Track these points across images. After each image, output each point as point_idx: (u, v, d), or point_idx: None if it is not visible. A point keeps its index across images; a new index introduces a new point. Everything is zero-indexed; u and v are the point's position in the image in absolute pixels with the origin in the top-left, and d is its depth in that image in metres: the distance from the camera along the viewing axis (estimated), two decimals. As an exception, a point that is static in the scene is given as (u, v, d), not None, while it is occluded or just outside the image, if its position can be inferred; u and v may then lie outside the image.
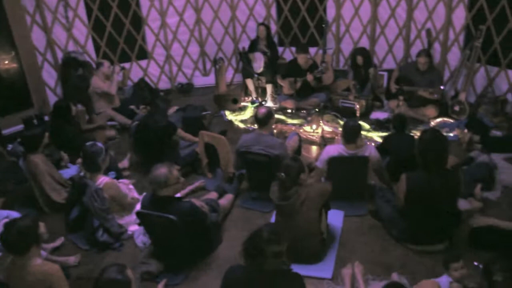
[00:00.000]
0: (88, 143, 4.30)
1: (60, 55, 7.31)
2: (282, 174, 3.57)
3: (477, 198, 4.33)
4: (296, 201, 3.59)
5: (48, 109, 7.17)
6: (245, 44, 8.08)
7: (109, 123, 6.70)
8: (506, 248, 3.63)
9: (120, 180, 4.72)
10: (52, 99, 7.29)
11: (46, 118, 6.86)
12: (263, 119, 4.58)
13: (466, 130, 5.67)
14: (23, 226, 2.94)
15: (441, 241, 3.87)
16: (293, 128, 6.28)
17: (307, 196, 3.60)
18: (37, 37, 7.02)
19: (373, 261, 3.81)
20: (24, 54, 6.92)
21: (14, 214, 4.00)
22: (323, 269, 3.74)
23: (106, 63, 6.96)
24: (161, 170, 3.61)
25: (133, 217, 4.36)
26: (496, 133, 5.71)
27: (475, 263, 3.57)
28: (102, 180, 4.16)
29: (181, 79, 8.57)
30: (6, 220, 3.78)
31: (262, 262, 2.61)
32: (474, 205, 4.27)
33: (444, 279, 3.25)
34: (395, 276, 3.54)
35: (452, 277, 3.23)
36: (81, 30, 7.48)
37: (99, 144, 4.35)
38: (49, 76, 7.32)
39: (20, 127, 6.77)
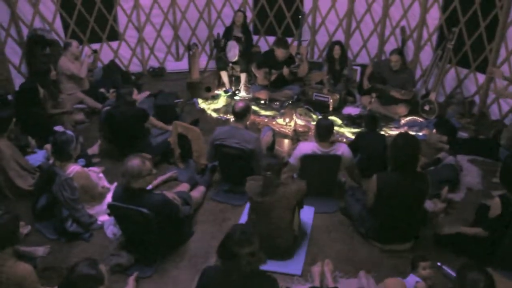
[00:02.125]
0: (58, 131, 4.16)
1: (25, 31, 7.01)
2: (269, 173, 3.57)
3: (442, 199, 4.46)
4: (272, 198, 3.61)
5: (12, 88, 6.90)
6: (219, 30, 7.98)
7: (78, 106, 6.51)
8: (470, 251, 3.79)
9: (90, 168, 4.60)
10: (16, 77, 7.03)
11: (10, 97, 6.60)
12: (240, 113, 4.56)
13: (434, 130, 5.82)
14: (4, 225, 2.84)
15: (407, 240, 3.98)
16: (266, 120, 6.28)
17: (283, 195, 3.62)
18: (0, 11, 6.70)
19: (342, 259, 3.88)
20: (-15, 28, 6.62)
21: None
22: (293, 266, 3.78)
23: (75, 43, 6.72)
24: (134, 162, 3.54)
25: (103, 207, 4.28)
26: (463, 134, 5.88)
27: (438, 264, 3.72)
28: (73, 169, 4.05)
29: (153, 62, 8.40)
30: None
31: (237, 263, 2.61)
32: (439, 206, 4.40)
33: (410, 279, 3.37)
34: (362, 275, 3.63)
35: (420, 275, 3.35)
36: (48, 7, 7.20)
37: (69, 132, 4.21)
38: (13, 53, 7.02)
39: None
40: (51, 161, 4.41)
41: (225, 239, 2.66)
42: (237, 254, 2.57)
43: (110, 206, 3.67)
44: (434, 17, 6.74)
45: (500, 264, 3.59)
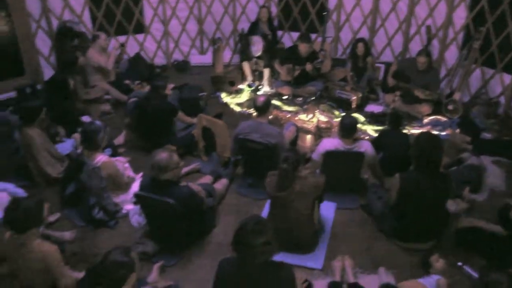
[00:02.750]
0: (86, 121, 4.28)
1: (55, 23, 7.17)
2: (285, 165, 3.61)
3: (464, 199, 4.45)
4: (291, 193, 3.66)
5: (42, 78, 7.08)
6: (244, 25, 8.04)
7: (104, 97, 6.64)
8: (488, 249, 3.79)
9: (116, 158, 4.72)
10: (45, 67, 7.20)
11: (39, 87, 6.79)
12: (262, 107, 4.62)
13: (458, 130, 5.79)
14: (29, 207, 2.95)
15: (428, 240, 4.00)
16: (289, 115, 6.32)
17: (301, 189, 3.67)
18: (32, 4, 6.86)
19: (362, 255, 3.93)
20: (18, 21, 6.78)
21: (10, 187, 3.98)
22: (314, 260, 3.84)
23: (103, 36, 6.85)
24: (162, 155, 3.64)
25: (128, 196, 4.41)
26: (487, 135, 5.82)
27: (459, 264, 3.73)
28: (100, 158, 4.17)
29: (177, 56, 8.50)
30: (4, 193, 3.81)
31: (251, 254, 2.66)
32: (461, 207, 4.39)
33: (429, 279, 3.37)
34: (382, 271, 3.67)
35: (436, 270, 3.36)
36: (78, 0, 7.32)
37: (98, 122, 4.34)
38: (44, 44, 7.18)
39: (10, 94, 6.68)
40: (79, 150, 4.54)
41: (238, 230, 2.71)
42: (251, 244, 2.61)
43: (137, 195, 3.78)
44: (461, 16, 6.67)
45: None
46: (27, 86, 6.71)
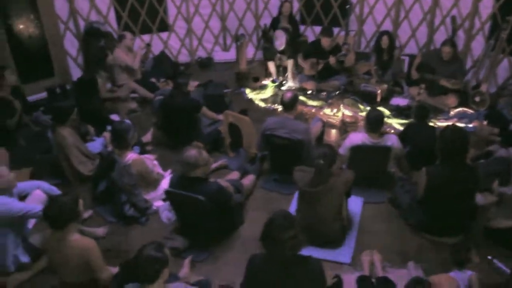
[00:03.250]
0: (116, 121, 4.38)
1: (82, 24, 7.34)
2: (321, 161, 3.64)
3: (493, 193, 4.40)
4: (323, 188, 3.69)
5: (70, 78, 7.27)
6: (266, 21, 8.07)
7: (131, 95, 6.78)
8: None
9: (145, 156, 4.81)
10: (73, 68, 7.39)
11: (68, 87, 6.97)
12: (289, 103, 4.66)
13: (485, 122, 5.71)
14: (65, 203, 3.07)
15: (457, 233, 3.98)
16: (313, 110, 6.34)
17: (334, 185, 3.70)
18: (60, 6, 7.06)
19: (390, 249, 3.94)
20: (47, 23, 7.00)
21: (45, 185, 4.11)
22: (343, 254, 3.87)
23: (129, 35, 6.99)
24: (192, 152, 3.72)
25: (158, 192, 4.51)
26: (516, 126, 5.73)
27: (489, 257, 3.71)
28: (130, 156, 4.28)
29: (201, 53, 8.60)
30: (38, 190, 3.95)
31: (279, 248, 2.71)
32: (490, 200, 4.33)
33: (461, 274, 3.32)
34: (411, 265, 3.68)
35: (472, 266, 3.32)
36: (103, 0, 7.48)
37: (127, 121, 4.46)
38: (71, 45, 7.38)
39: (42, 95, 6.90)
40: (109, 149, 4.66)
41: (267, 225, 2.77)
42: (279, 239, 2.66)
43: (167, 192, 3.87)
44: (487, 5, 6.56)
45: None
46: (57, 87, 6.91)
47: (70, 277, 3.17)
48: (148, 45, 7.36)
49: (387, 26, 7.62)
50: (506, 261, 3.67)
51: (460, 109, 6.18)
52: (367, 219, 4.32)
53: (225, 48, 8.71)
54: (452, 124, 4.26)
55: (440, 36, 7.12)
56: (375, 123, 4.44)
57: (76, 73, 7.35)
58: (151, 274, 2.64)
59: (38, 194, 3.90)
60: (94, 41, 7.18)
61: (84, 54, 7.42)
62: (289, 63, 7.24)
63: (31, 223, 4.05)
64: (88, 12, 7.34)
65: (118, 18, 7.72)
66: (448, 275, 3.32)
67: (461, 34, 6.96)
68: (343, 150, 4.51)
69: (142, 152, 5.08)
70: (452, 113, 6.14)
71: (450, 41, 6.27)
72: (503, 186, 4.56)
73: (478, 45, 6.83)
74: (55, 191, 4.06)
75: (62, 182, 4.76)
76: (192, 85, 6.84)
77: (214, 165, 5.02)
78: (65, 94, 6.85)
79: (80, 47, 7.40)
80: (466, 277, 3.27)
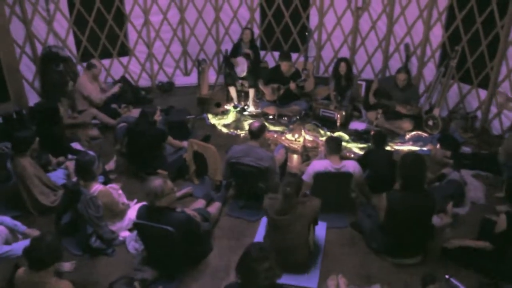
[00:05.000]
0: (80, 151, 4.33)
1: (40, 48, 7.20)
2: (288, 189, 3.74)
3: (448, 214, 4.64)
4: (292, 216, 3.79)
5: (26, 103, 7.08)
6: (227, 46, 8.18)
7: (92, 121, 6.69)
8: (474, 263, 3.99)
9: (109, 185, 4.76)
10: (29, 93, 7.21)
11: (24, 112, 6.78)
12: (257, 132, 4.77)
13: (438, 145, 6.02)
14: (53, 243, 3.01)
15: (417, 254, 4.17)
16: (275, 135, 6.46)
17: (302, 213, 3.80)
18: (16, 29, 6.89)
19: (355, 272, 4.05)
20: (2, 46, 6.79)
21: (7, 220, 3.97)
22: (309, 279, 3.96)
23: (99, 65, 7.02)
24: (157, 182, 3.74)
25: (124, 223, 4.47)
26: (466, 149, 6.06)
27: (446, 276, 3.90)
28: (96, 188, 4.23)
29: (161, 77, 8.60)
30: (1, 226, 3.82)
31: (255, 279, 2.77)
32: (445, 221, 4.57)
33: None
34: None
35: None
36: (62, 24, 7.40)
37: (91, 153, 4.40)
38: (28, 69, 7.21)
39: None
40: (74, 179, 4.58)
41: (243, 256, 2.84)
42: (255, 270, 2.74)
43: (136, 224, 3.85)
44: (437, 34, 6.97)
45: (506, 276, 3.78)
46: (13, 112, 6.70)
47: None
48: (121, 88, 7.27)
49: (345, 52, 7.93)
50: (462, 280, 3.86)
51: (415, 132, 6.48)
52: (331, 244, 4.43)
53: (186, 73, 8.76)
54: (412, 152, 4.49)
55: (395, 63, 7.50)
56: (335, 145, 4.65)
57: (32, 97, 7.19)
58: (123, 310, 2.63)
59: (0, 230, 3.77)
60: (53, 66, 7.06)
61: (41, 79, 7.27)
62: (251, 91, 7.38)
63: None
64: (46, 36, 7.22)
65: (78, 42, 7.63)
66: None
67: (414, 61, 7.35)
68: (307, 177, 4.63)
69: (106, 181, 5.02)
70: (407, 136, 6.43)
71: (405, 68, 6.61)
72: (457, 207, 4.83)
73: (429, 72, 7.21)
74: (19, 225, 3.94)
75: (22, 214, 4.63)
76: (157, 114, 6.84)
77: (179, 193, 5.01)
78: (21, 120, 6.64)
79: (38, 71, 7.24)
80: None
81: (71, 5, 7.37)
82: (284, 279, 3.48)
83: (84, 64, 7.64)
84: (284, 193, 3.77)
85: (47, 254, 2.98)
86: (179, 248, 3.80)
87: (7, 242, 3.75)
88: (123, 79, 7.88)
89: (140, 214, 3.86)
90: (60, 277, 3.75)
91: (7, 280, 3.63)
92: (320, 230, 4.51)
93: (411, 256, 4.15)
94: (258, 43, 8.31)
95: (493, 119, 6.53)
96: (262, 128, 4.81)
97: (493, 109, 6.51)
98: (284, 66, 7.00)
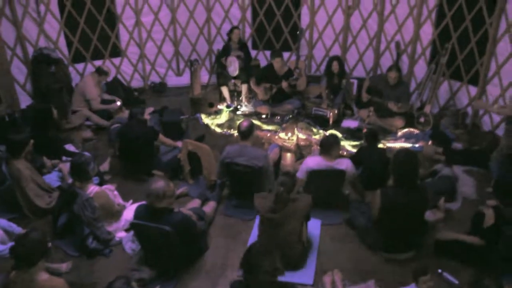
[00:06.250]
0: (75, 153, 4.35)
1: (30, 50, 7.18)
2: (282, 189, 3.78)
3: (440, 209, 4.71)
4: (284, 214, 3.84)
5: (18, 105, 7.06)
6: (219, 45, 8.22)
7: (85, 122, 6.70)
8: (466, 257, 4.06)
9: (105, 186, 4.78)
10: (21, 95, 7.18)
11: (17, 115, 6.76)
12: (246, 132, 4.80)
13: (430, 142, 6.09)
14: (36, 239, 3.03)
15: (410, 249, 4.24)
16: (268, 134, 6.50)
17: (294, 210, 3.86)
18: (7, 31, 6.85)
19: (349, 268, 4.11)
20: (-7, 49, 6.78)
21: (3, 222, 4.00)
22: (305, 276, 4.01)
23: (109, 74, 7.15)
24: (159, 184, 3.74)
25: (120, 224, 4.50)
26: (457, 145, 6.14)
27: (439, 270, 3.97)
28: (92, 189, 4.25)
29: (154, 78, 8.61)
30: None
31: (258, 276, 2.82)
32: (438, 216, 4.65)
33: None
34: (371, 283, 3.86)
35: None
36: (53, 26, 7.36)
37: (87, 154, 4.43)
38: (19, 72, 7.16)
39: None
40: (69, 181, 4.59)
41: (247, 252, 2.90)
42: (258, 266, 2.79)
43: (133, 224, 3.88)
44: (428, 32, 7.04)
45: (495, 268, 3.84)
46: (6, 115, 6.69)
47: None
48: (121, 108, 7.23)
49: (336, 50, 8.00)
50: (454, 273, 3.95)
51: (406, 129, 6.55)
52: (326, 240, 4.48)
53: (179, 73, 8.77)
54: (404, 148, 4.54)
55: (386, 61, 7.57)
56: (328, 148, 4.66)
57: (24, 100, 7.16)
58: (122, 309, 2.66)
59: (-3, 232, 3.79)
60: (44, 67, 7.04)
61: (33, 81, 7.23)
62: (243, 88, 7.41)
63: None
64: (37, 38, 7.19)
65: (69, 43, 7.61)
66: None
67: (405, 58, 7.42)
68: (300, 174, 4.68)
69: (101, 182, 5.04)
70: (399, 133, 6.50)
71: (396, 66, 6.68)
72: (449, 203, 4.91)
73: (420, 69, 7.29)
74: (14, 227, 3.96)
75: (17, 216, 4.63)
76: (147, 111, 6.86)
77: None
78: (14, 123, 6.62)
79: (29, 73, 7.22)
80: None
81: (61, 6, 7.34)
82: (280, 276, 3.53)
83: (77, 66, 7.71)
84: (277, 192, 3.81)
85: (32, 249, 3.00)
86: (176, 247, 3.82)
87: (3, 243, 3.75)
88: (115, 80, 7.87)
89: (139, 213, 3.88)
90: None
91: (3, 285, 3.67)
92: (315, 227, 4.57)
93: (404, 251, 4.22)
94: (249, 42, 8.35)
95: (484, 115, 6.61)
96: (251, 127, 4.84)
97: (483, 106, 6.59)
98: (277, 62, 7.02)
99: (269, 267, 2.81)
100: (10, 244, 3.79)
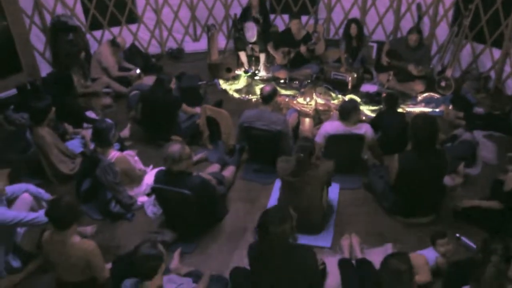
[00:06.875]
0: (97, 120, 4.41)
1: (48, 18, 7.20)
2: (302, 154, 3.81)
3: (459, 174, 4.69)
4: (304, 178, 3.87)
5: (38, 73, 7.14)
6: (236, 10, 8.09)
7: (104, 90, 6.76)
8: (486, 222, 4.05)
9: (125, 152, 4.86)
10: (41, 63, 7.25)
11: (38, 83, 6.85)
12: (268, 96, 4.80)
13: (451, 106, 6.00)
14: (70, 202, 3.14)
15: (428, 214, 4.25)
16: (287, 99, 6.48)
17: (314, 175, 3.88)
18: (24, 0, 6.86)
19: (367, 232, 4.16)
20: (11, 18, 6.80)
21: (32, 188, 4.07)
22: (323, 239, 4.08)
23: (122, 46, 7.13)
24: (175, 147, 3.81)
25: (142, 188, 4.60)
26: (478, 109, 6.02)
27: (457, 235, 3.99)
28: (114, 154, 4.34)
29: (171, 44, 8.58)
30: (26, 193, 3.95)
31: (273, 239, 2.89)
32: (457, 181, 4.63)
33: (431, 254, 3.62)
34: (388, 246, 3.91)
35: (438, 252, 3.62)
36: (69, -7, 7.35)
37: (108, 120, 4.49)
38: (38, 40, 7.22)
39: (11, 92, 6.75)
40: (91, 147, 4.68)
41: (261, 218, 2.96)
42: (272, 232, 2.84)
43: (154, 189, 3.96)
44: (450, -7, 6.82)
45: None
46: (27, 83, 6.78)
47: (69, 276, 3.27)
48: (139, 76, 7.20)
49: (355, 13, 7.81)
50: (472, 238, 3.95)
51: (427, 94, 6.44)
52: (344, 205, 4.53)
53: (196, 39, 8.71)
54: (423, 113, 4.48)
55: (406, 23, 7.37)
56: (347, 113, 4.62)
57: (44, 68, 7.24)
58: (150, 271, 2.76)
59: (25, 197, 3.89)
60: (62, 35, 7.07)
61: (52, 48, 7.29)
62: (261, 56, 7.34)
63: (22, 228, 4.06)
64: (54, 6, 7.20)
65: (85, 11, 7.59)
66: (418, 254, 3.59)
67: (426, 21, 7.22)
68: (319, 138, 4.68)
69: (122, 148, 5.12)
70: (419, 98, 6.40)
71: (416, 29, 6.51)
72: (468, 168, 4.87)
73: (442, 31, 7.09)
74: (43, 193, 4.07)
75: (42, 182, 4.75)
76: (173, 81, 6.88)
77: (194, 158, 5.10)
78: (36, 91, 6.72)
79: (48, 41, 7.26)
80: (434, 257, 3.56)
81: (78, -27, 7.32)
82: (299, 239, 3.60)
83: (94, 33, 7.73)
84: (297, 157, 3.84)
85: (66, 212, 3.10)
86: (196, 211, 3.91)
87: (32, 209, 3.88)
88: (133, 47, 7.87)
89: (158, 178, 3.96)
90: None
91: (35, 244, 3.82)
92: (333, 191, 4.60)
93: (422, 215, 4.23)
94: (267, 5, 8.19)
95: (507, 79, 6.45)
96: (274, 92, 4.83)
97: (507, 69, 6.43)
98: (294, 25, 6.91)
99: (282, 233, 2.86)
100: (42, 211, 3.93)
